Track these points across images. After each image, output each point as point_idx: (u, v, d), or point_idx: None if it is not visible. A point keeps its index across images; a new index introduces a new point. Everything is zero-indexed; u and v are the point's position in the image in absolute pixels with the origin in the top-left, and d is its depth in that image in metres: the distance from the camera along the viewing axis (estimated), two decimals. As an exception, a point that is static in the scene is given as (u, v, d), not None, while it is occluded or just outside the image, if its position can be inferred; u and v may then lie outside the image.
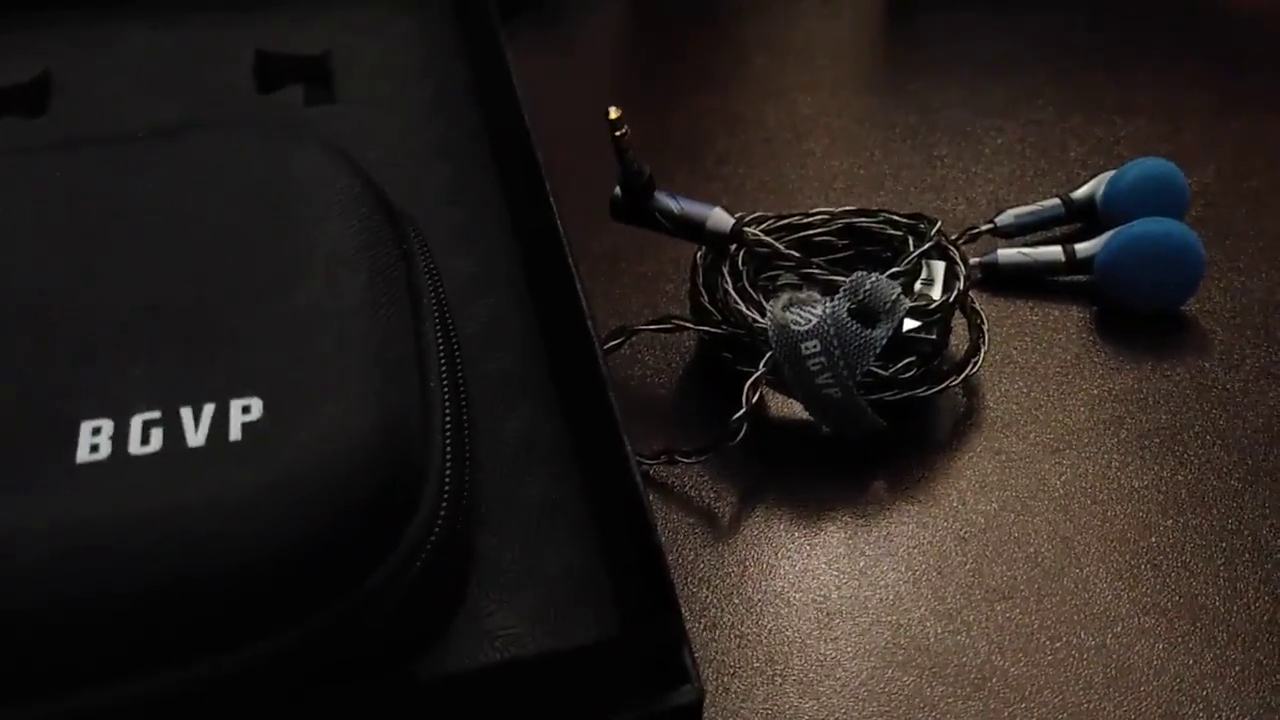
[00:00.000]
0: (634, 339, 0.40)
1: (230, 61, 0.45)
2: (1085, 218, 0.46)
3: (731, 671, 0.32)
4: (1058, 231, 0.46)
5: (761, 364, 0.36)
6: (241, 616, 0.23)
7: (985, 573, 0.35)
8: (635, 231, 0.40)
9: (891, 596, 0.34)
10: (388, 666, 0.26)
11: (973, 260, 0.44)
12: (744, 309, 0.37)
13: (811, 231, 0.41)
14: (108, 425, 0.24)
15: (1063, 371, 0.41)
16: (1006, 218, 0.45)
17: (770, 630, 0.33)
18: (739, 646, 0.33)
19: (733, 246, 0.39)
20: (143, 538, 0.22)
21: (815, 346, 0.35)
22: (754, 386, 0.36)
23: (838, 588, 0.34)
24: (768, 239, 0.39)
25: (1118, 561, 0.35)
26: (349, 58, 0.46)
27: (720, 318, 0.38)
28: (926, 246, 0.38)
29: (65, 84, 0.44)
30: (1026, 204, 0.46)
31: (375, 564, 0.24)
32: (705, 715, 0.29)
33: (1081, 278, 0.44)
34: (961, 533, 0.36)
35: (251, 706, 0.24)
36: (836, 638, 0.33)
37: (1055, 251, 0.44)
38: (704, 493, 0.37)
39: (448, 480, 0.26)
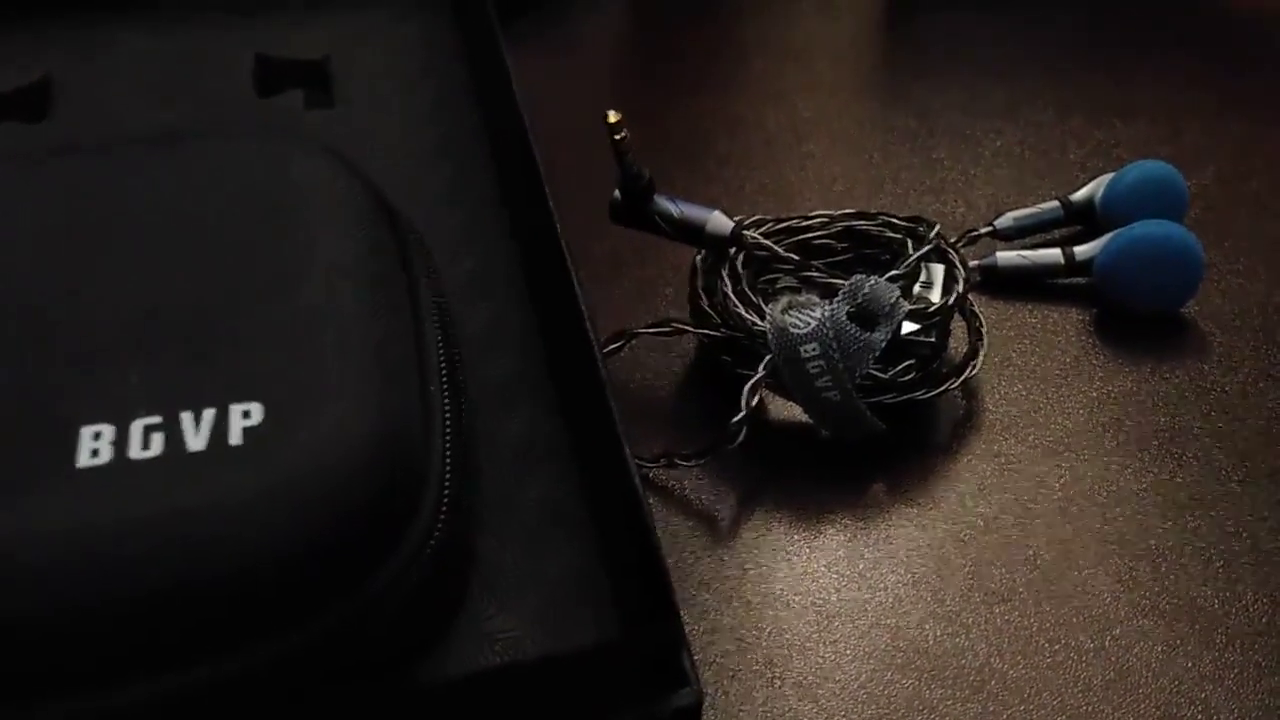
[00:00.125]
0: (634, 342, 0.40)
1: (230, 66, 0.45)
2: (1084, 220, 0.46)
3: (731, 674, 0.32)
4: (1057, 234, 0.46)
5: (761, 367, 0.36)
6: (242, 620, 0.23)
7: (984, 575, 0.35)
8: (635, 234, 0.40)
9: (891, 599, 0.34)
10: (388, 669, 0.27)
11: (972, 263, 0.44)
12: (743, 312, 0.37)
13: (811, 234, 0.41)
14: (108, 430, 0.24)
15: (1062, 374, 0.41)
16: (1006, 220, 0.45)
17: (770, 633, 0.33)
18: (738, 649, 0.33)
19: (732, 249, 0.39)
20: (143, 542, 0.22)
21: (814, 349, 0.35)
22: (753, 389, 0.36)
23: (837, 590, 0.34)
24: (767, 242, 0.39)
25: (1117, 564, 0.35)
26: (349, 61, 0.46)
27: (720, 321, 0.38)
28: (926, 249, 0.39)
29: (66, 89, 0.44)
30: (1026, 206, 0.46)
31: (375, 567, 0.24)
32: (704, 718, 0.29)
33: (1081, 280, 0.44)
34: (961, 535, 0.36)
35: (252, 710, 0.24)
36: (836, 640, 0.33)
37: (1054, 254, 0.44)
38: (703, 495, 0.37)
39: (448, 484, 0.27)
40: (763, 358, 0.36)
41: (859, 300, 0.36)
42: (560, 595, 0.29)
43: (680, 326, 0.39)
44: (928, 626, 0.33)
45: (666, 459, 0.36)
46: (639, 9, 0.61)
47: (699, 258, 0.40)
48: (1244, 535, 0.36)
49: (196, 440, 0.24)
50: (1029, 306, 0.43)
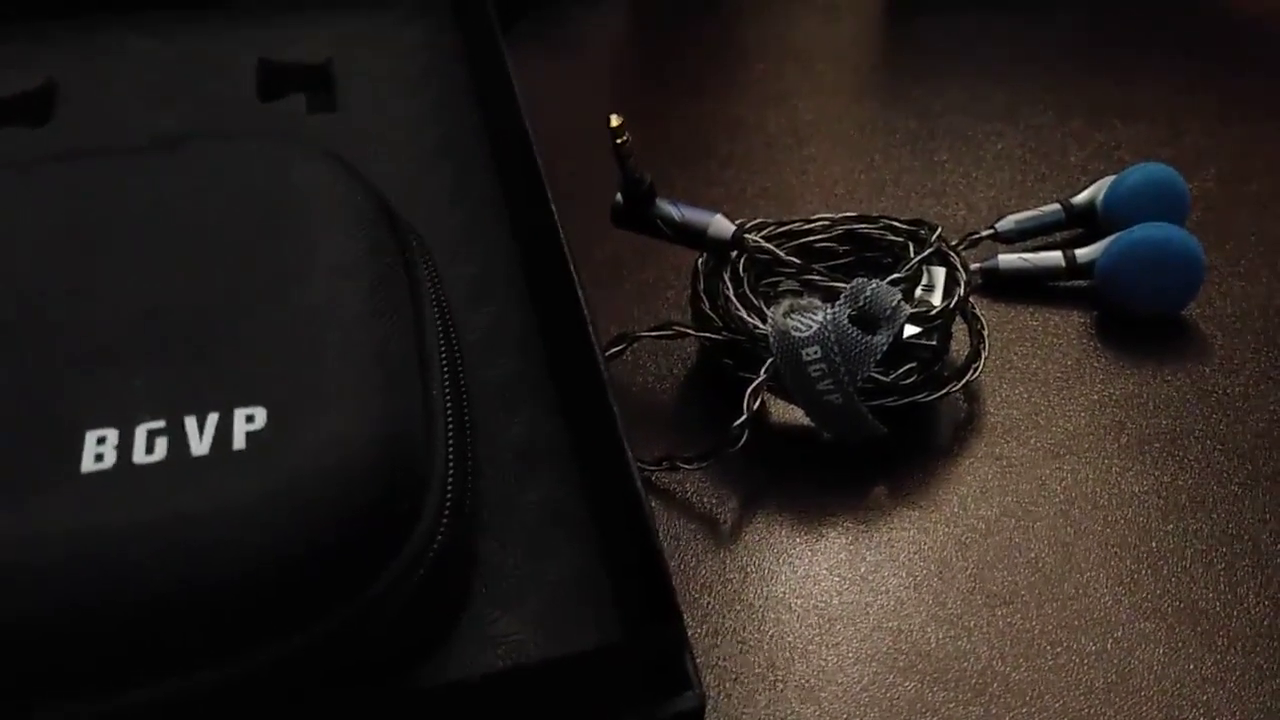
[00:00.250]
0: (635, 345, 0.40)
1: (233, 70, 0.45)
2: (1086, 223, 0.46)
3: (733, 677, 0.32)
4: (1058, 237, 0.46)
5: (762, 370, 0.36)
6: (245, 623, 0.23)
7: (986, 578, 0.35)
8: (636, 238, 0.40)
9: (893, 602, 0.34)
10: (390, 672, 0.27)
11: (973, 266, 0.44)
12: (745, 315, 0.37)
13: (812, 238, 0.41)
14: (113, 434, 0.24)
15: (1063, 376, 0.41)
16: (1007, 223, 0.45)
17: (772, 636, 0.33)
18: (740, 652, 0.33)
19: (734, 253, 0.39)
20: (148, 546, 0.22)
21: (816, 353, 0.35)
22: (755, 393, 0.36)
23: (839, 593, 0.34)
24: (768, 245, 0.39)
25: (1118, 566, 0.35)
26: (350, 66, 0.46)
27: (721, 324, 0.38)
28: (927, 252, 0.39)
29: (69, 94, 0.44)
30: (1027, 209, 0.46)
31: (378, 570, 0.24)
32: (707, 721, 0.29)
33: (1082, 283, 0.44)
34: (962, 538, 0.36)
35: (255, 713, 0.24)
36: (838, 643, 0.33)
37: (1056, 257, 0.44)
38: (705, 499, 0.37)
39: (450, 487, 0.27)
40: (764, 361, 0.36)
41: (860, 303, 0.36)
42: (562, 598, 0.29)
43: (682, 330, 0.39)
44: (929, 629, 0.33)
45: (668, 462, 0.36)
46: (639, 11, 0.61)
47: (700, 261, 0.40)
48: (1245, 538, 0.36)
49: (200, 444, 0.24)
50: (1030, 309, 0.43)
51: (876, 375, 0.36)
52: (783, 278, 0.40)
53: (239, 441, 0.24)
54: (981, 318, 0.40)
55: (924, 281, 0.40)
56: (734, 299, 0.38)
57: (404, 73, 0.46)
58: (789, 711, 0.31)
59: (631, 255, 0.45)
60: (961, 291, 0.38)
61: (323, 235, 0.29)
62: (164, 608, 0.22)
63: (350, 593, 0.24)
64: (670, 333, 0.39)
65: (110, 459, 0.24)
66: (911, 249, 0.39)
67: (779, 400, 0.39)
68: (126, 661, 0.22)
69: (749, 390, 0.36)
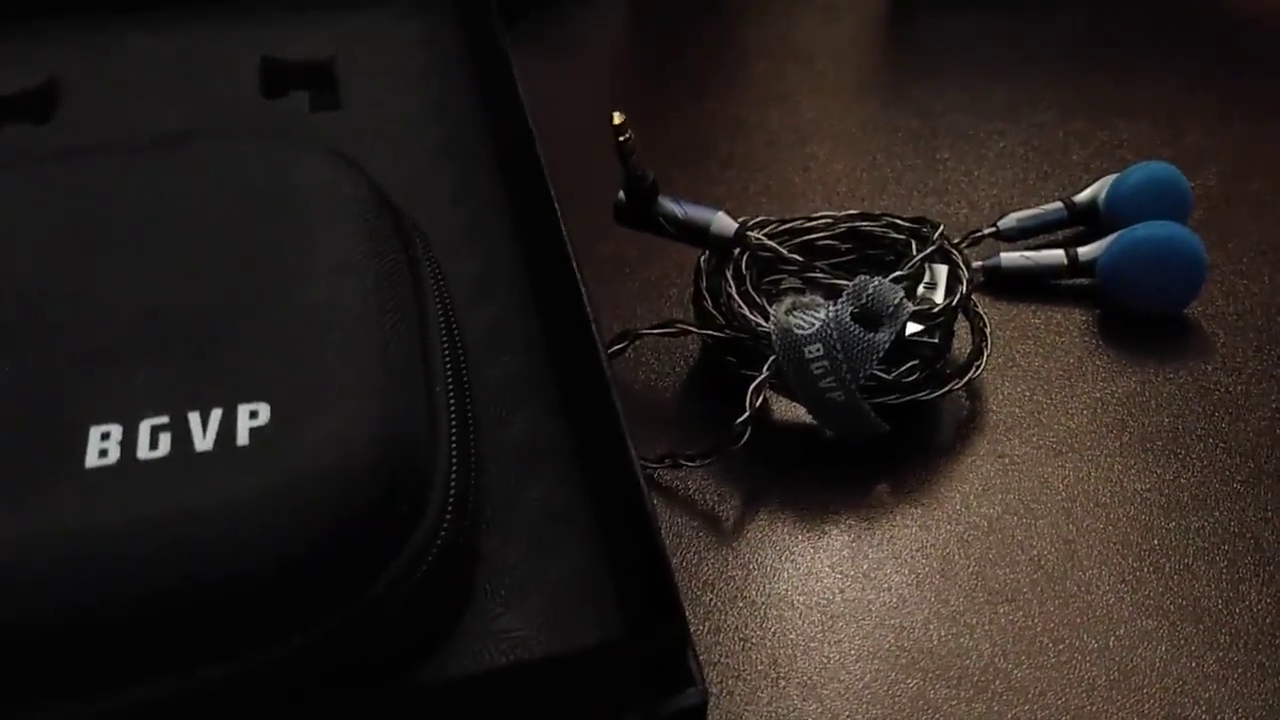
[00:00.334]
0: (638, 343, 0.40)
1: (236, 68, 0.45)
2: (1088, 221, 0.46)
3: (735, 674, 0.32)
4: (1060, 235, 0.46)
5: (765, 368, 0.36)
6: (248, 620, 0.23)
7: (988, 575, 0.35)
8: (639, 236, 0.40)
9: (895, 599, 0.34)
10: (393, 670, 0.27)
11: (975, 264, 0.44)
12: (747, 313, 0.37)
13: (814, 235, 0.41)
14: (116, 430, 0.24)
15: (1065, 375, 0.41)
16: (1009, 221, 0.45)
17: (774, 633, 0.33)
18: (743, 649, 0.33)
19: (736, 250, 0.39)
20: (151, 542, 0.22)
21: (818, 350, 0.35)
22: (757, 390, 0.36)
23: (841, 591, 0.34)
24: (771, 243, 0.39)
25: (1120, 564, 0.35)
26: (353, 63, 0.46)
27: (724, 322, 0.38)
28: (929, 250, 0.39)
29: (71, 91, 0.44)
30: (1029, 207, 0.46)
31: (381, 568, 0.24)
32: (709, 718, 0.29)
33: (1084, 281, 0.44)
34: (964, 536, 0.36)
35: (257, 711, 0.24)
36: (840, 641, 0.33)
37: (1058, 255, 0.44)
38: (708, 496, 0.37)
39: (453, 484, 0.27)
40: (767, 358, 0.36)
41: (863, 301, 0.36)
42: (565, 595, 0.29)
43: (684, 327, 0.39)
44: (932, 626, 0.33)
45: (671, 459, 0.36)
46: (641, 10, 0.61)
47: (703, 259, 0.40)
48: (1247, 535, 0.36)
49: (204, 441, 0.24)
50: (1032, 307, 0.43)
51: (879, 373, 0.36)
52: (785, 275, 0.40)
53: (243, 438, 0.24)
54: (984, 316, 0.40)
55: (926, 279, 0.40)
56: (736, 296, 0.38)
57: (406, 70, 0.46)
58: (791, 708, 0.31)
59: (634, 253, 0.45)
60: (964, 289, 0.38)
61: (325, 232, 0.29)
62: (166, 604, 0.22)
63: (353, 590, 0.24)
64: (673, 330, 0.39)
65: (114, 454, 0.24)
66: (914, 247, 0.39)
67: (781, 398, 0.39)
68: (128, 659, 0.22)
69: (751, 388, 0.36)
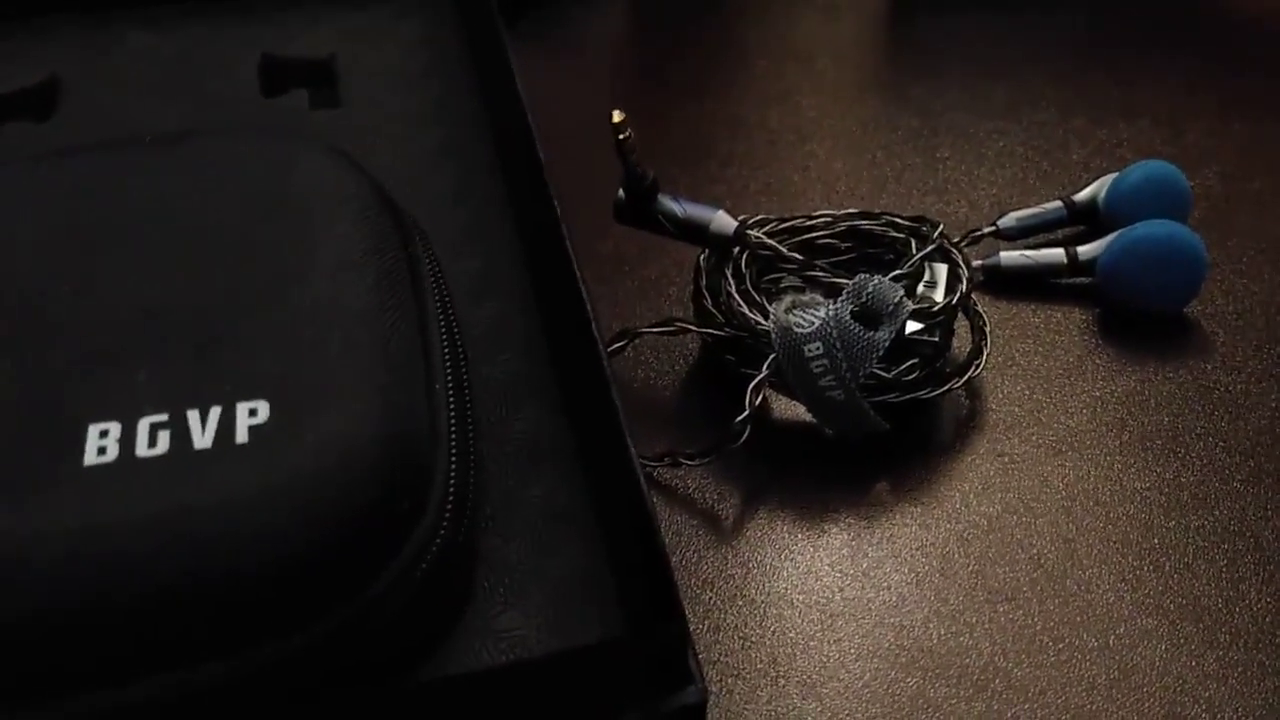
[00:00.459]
0: (637, 341, 0.40)
1: (236, 66, 0.45)
2: (1087, 220, 0.46)
3: (735, 673, 0.32)
4: (1060, 234, 0.46)
5: (764, 366, 0.36)
6: (249, 618, 0.23)
7: (988, 574, 0.35)
8: (639, 234, 0.40)
9: (894, 598, 0.34)
10: (393, 668, 0.27)
11: (975, 262, 0.44)
12: (747, 311, 0.37)
13: (814, 234, 0.41)
14: (115, 428, 0.24)
15: (1065, 373, 0.41)
16: (1009, 220, 0.45)
17: (773, 632, 0.33)
18: (742, 648, 0.33)
19: (736, 249, 0.39)
20: (150, 540, 0.22)
21: (818, 349, 0.35)
22: (757, 389, 0.36)
23: (841, 589, 0.34)
24: (771, 242, 0.39)
25: (1120, 563, 0.35)
26: (353, 61, 0.46)
27: (723, 320, 0.38)
28: (929, 249, 0.39)
29: (72, 89, 0.44)
30: (1029, 206, 0.46)
31: (381, 566, 0.24)
32: (709, 717, 0.29)
33: (1084, 280, 0.44)
34: (964, 534, 0.36)
35: (259, 708, 0.24)
36: (839, 639, 0.33)
37: (1057, 254, 0.44)
38: (707, 495, 0.37)
39: (453, 483, 0.27)
40: (766, 357, 0.36)
41: (863, 299, 0.36)
42: (565, 594, 0.29)
43: (684, 326, 0.39)
44: (931, 625, 0.33)
45: (670, 458, 0.36)
46: (641, 9, 0.61)
47: (702, 257, 0.40)
48: (1247, 534, 0.36)
49: (203, 439, 0.24)
50: (1032, 306, 0.43)
51: (878, 371, 0.36)
52: (785, 274, 0.40)
53: (241, 435, 0.24)
54: (983, 314, 0.40)
55: (926, 278, 0.40)
56: (736, 295, 0.38)
57: (407, 69, 0.46)
58: (790, 707, 0.31)
59: (634, 251, 0.45)
60: (963, 288, 0.38)
61: (325, 230, 0.29)
62: (166, 602, 0.22)
63: (354, 587, 0.24)
64: (672, 329, 0.39)
65: (113, 452, 0.24)
66: (913, 245, 0.39)
67: (781, 396, 0.39)
68: (128, 658, 0.22)
69: (751, 386, 0.36)
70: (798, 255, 0.39)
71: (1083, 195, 0.46)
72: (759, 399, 0.36)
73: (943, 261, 0.40)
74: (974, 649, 0.33)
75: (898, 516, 0.36)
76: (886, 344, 0.35)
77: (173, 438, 0.24)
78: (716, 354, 0.39)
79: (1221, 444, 0.39)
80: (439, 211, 0.39)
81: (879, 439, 0.37)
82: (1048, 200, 0.46)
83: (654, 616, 0.27)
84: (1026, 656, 0.33)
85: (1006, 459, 0.38)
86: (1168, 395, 0.40)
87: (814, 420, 0.37)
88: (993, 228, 0.45)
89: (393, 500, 0.25)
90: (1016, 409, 0.40)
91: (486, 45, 0.44)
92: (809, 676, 0.32)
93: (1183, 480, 0.37)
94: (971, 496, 0.37)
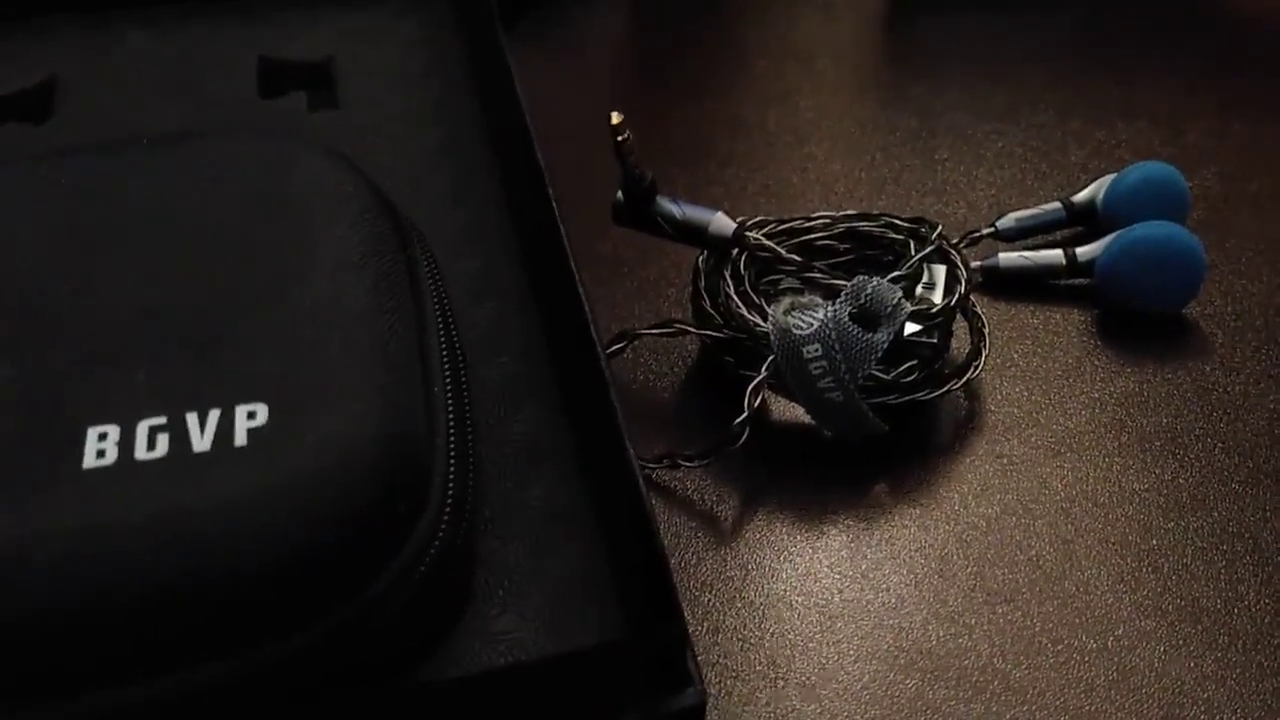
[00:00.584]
0: (636, 343, 0.40)
1: (234, 67, 0.45)
2: (1086, 221, 0.46)
3: (734, 675, 0.32)
4: (1059, 235, 0.46)
5: (763, 368, 0.36)
6: (248, 620, 0.23)
7: (987, 576, 0.35)
8: (637, 236, 0.40)
9: (893, 600, 0.34)
10: (392, 670, 0.27)
11: (974, 264, 0.44)
12: (746, 313, 0.37)
13: (813, 235, 0.41)
14: (114, 431, 0.24)
15: (1064, 375, 0.41)
16: (1007, 221, 0.45)
17: (772, 633, 0.33)
18: (741, 650, 0.33)
19: (734, 250, 0.39)
20: (149, 542, 0.22)
21: (817, 350, 0.35)
22: (756, 390, 0.36)
23: (840, 591, 0.34)
24: (769, 243, 0.39)
25: (1119, 564, 0.35)
26: (352, 63, 0.46)
27: (722, 322, 0.38)
28: (928, 250, 0.39)
29: (69, 90, 0.44)
30: (1027, 207, 0.46)
31: (380, 567, 0.24)
32: (708, 718, 0.29)
33: (1082, 281, 0.44)
34: (963, 536, 0.36)
35: (257, 710, 0.24)
36: (838, 641, 0.33)
37: (1056, 255, 0.44)
38: (706, 496, 0.37)
39: (451, 485, 0.27)
40: (765, 359, 0.36)
41: (861, 301, 0.36)
42: (564, 595, 0.29)
43: (683, 327, 0.39)
44: (930, 627, 0.33)
45: (669, 459, 0.36)
46: (640, 10, 0.61)
47: (701, 259, 0.40)
48: (1246, 536, 0.36)
49: (202, 441, 0.24)
50: (1031, 307, 0.43)
51: (877, 373, 0.36)
52: (783, 275, 0.40)
53: (240, 438, 0.24)
54: (982, 315, 0.40)
55: (925, 279, 0.40)
56: (735, 296, 0.38)
57: (405, 70, 0.46)
58: (789, 709, 0.31)
59: (632, 253, 0.45)
60: (962, 289, 0.38)
61: (324, 232, 0.29)
62: (166, 604, 0.22)
63: (352, 590, 0.24)
64: (671, 330, 0.39)
65: (112, 455, 0.24)
66: (912, 247, 0.39)
67: (780, 398, 0.39)
68: (127, 659, 0.22)
69: (750, 388, 0.36)
70: (796, 257, 0.39)
71: (1081, 196, 0.46)
72: (758, 400, 0.36)
73: (941, 263, 0.40)
74: (973, 650, 0.33)
75: (896, 518, 0.36)
76: (885, 345, 0.35)
77: (171, 441, 0.24)
78: (715, 355, 0.39)
79: (1220, 445, 0.39)
80: (438, 212, 0.39)
81: (878, 440, 0.37)
82: (1046, 201, 0.46)
83: (653, 618, 0.27)
84: (1025, 658, 0.33)
85: (1005, 460, 0.38)
86: (1166, 396, 0.40)
87: (813, 422, 0.37)
88: (991, 229, 0.45)
89: (392, 501, 0.25)
90: (1015, 410, 0.40)
91: (485, 46, 0.44)
92: (808, 678, 0.32)
93: (1181, 481, 0.38)
94: (970, 498, 0.37)
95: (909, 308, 0.36)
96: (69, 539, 0.22)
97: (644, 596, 0.27)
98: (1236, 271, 0.45)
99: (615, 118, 0.36)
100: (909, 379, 0.37)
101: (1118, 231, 0.43)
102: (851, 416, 0.36)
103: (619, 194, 0.39)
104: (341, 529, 0.24)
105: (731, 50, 0.58)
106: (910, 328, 0.37)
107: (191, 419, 0.24)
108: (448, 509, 0.26)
